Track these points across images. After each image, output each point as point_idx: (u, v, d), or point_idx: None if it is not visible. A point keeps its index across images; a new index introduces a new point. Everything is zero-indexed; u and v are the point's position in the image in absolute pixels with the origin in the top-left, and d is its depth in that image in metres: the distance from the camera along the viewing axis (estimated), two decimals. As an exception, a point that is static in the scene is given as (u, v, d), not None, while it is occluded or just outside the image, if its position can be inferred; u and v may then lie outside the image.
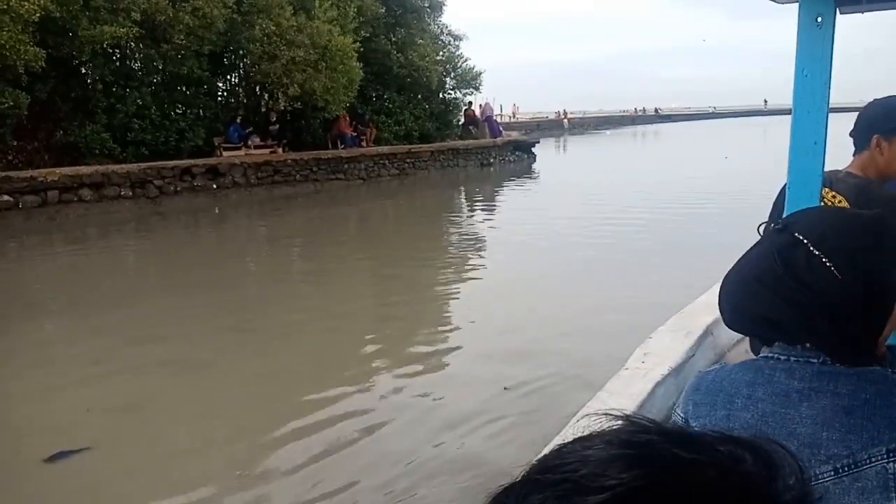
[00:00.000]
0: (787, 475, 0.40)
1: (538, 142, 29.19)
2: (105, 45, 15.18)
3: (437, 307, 8.11)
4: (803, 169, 1.72)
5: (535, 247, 10.88)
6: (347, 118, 20.80)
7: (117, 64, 16.81)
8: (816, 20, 1.63)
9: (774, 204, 2.33)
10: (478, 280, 9.09)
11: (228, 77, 20.04)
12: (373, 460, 4.26)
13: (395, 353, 6.29)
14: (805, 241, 0.97)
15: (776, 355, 1.01)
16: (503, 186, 20.76)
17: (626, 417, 0.42)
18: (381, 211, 16.75)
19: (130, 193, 15.16)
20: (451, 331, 7.03)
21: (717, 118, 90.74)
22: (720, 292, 1.08)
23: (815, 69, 1.65)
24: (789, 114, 1.72)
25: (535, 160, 26.71)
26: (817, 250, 0.96)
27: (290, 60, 17.15)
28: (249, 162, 17.36)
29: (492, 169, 24.24)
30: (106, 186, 14.78)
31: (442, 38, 25.52)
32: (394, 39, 22.52)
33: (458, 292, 8.54)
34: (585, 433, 0.41)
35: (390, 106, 22.73)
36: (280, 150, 18.86)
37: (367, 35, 20.75)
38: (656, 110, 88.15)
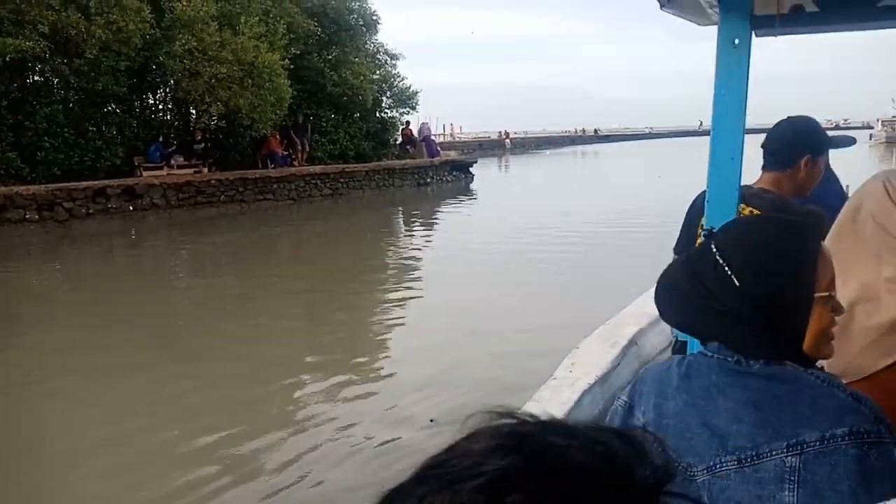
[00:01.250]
0: (653, 458, 0.42)
1: (476, 161, 28.93)
2: (8, 59, 14.19)
3: (366, 336, 7.78)
4: (721, 182, 1.79)
5: (461, 268, 10.56)
6: (278, 136, 20.14)
7: (27, 79, 15.80)
8: (734, 42, 1.70)
9: (686, 216, 2.43)
10: (408, 306, 8.65)
11: (153, 94, 19.15)
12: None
13: (321, 384, 5.93)
14: (715, 250, 1.04)
15: (706, 352, 1.06)
16: (438, 207, 20.39)
17: (510, 414, 0.44)
18: (309, 232, 16.09)
19: (37, 217, 14.19)
20: (378, 362, 6.68)
21: (653, 138, 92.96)
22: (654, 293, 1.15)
23: (732, 88, 1.72)
24: None
25: (472, 180, 26.49)
26: (721, 259, 1.02)
27: (213, 77, 16.44)
28: (170, 182, 16.53)
29: (429, 189, 23.87)
30: (9, 209, 13.79)
31: (378, 56, 25.11)
32: (328, 57, 22.03)
33: (389, 322, 8.15)
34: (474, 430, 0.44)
35: (324, 125, 22.16)
36: (206, 169, 18.08)
37: (299, 52, 20.16)
38: (595, 131, 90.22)
